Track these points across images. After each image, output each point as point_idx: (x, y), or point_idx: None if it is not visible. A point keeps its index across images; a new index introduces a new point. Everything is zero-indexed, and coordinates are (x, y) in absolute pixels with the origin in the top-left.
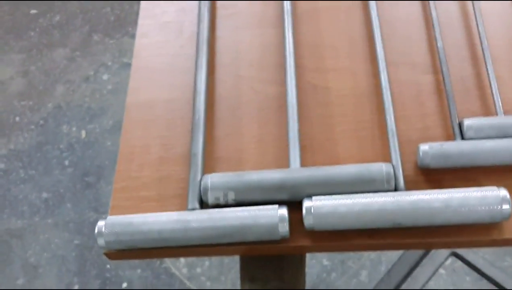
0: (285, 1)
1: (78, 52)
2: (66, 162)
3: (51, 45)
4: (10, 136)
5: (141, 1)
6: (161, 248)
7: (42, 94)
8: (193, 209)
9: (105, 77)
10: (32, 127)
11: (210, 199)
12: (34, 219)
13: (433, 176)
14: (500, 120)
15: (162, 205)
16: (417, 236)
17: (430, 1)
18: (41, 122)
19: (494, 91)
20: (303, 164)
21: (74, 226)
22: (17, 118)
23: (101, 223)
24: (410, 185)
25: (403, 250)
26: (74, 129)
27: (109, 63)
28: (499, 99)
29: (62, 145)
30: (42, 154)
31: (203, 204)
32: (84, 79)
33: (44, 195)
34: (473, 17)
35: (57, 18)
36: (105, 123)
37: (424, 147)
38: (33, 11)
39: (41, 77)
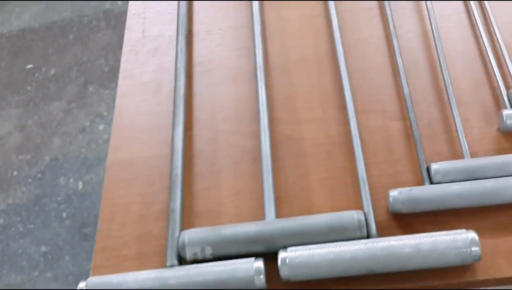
0: (257, 57)
1: (74, 104)
2: (64, 214)
3: (47, 99)
4: (8, 191)
5: (121, 62)
6: None
7: (39, 147)
8: (172, 266)
9: (101, 127)
10: (30, 180)
11: (188, 255)
12: (33, 273)
13: (405, 220)
14: (466, 163)
15: (142, 263)
16: (392, 282)
17: (396, 50)
18: (39, 175)
19: (460, 135)
20: (279, 214)
21: (73, 279)
22: (15, 173)
23: (81, 284)
24: (383, 231)
25: None
26: (71, 180)
27: (105, 113)
28: (465, 142)
29: (60, 197)
30: (40, 207)
31: (182, 260)
32: (80, 130)
33: (43, 248)
34: (438, 63)
35: (53, 71)
36: (101, 173)
37: (393, 193)
38: (29, 66)
39: (38, 130)
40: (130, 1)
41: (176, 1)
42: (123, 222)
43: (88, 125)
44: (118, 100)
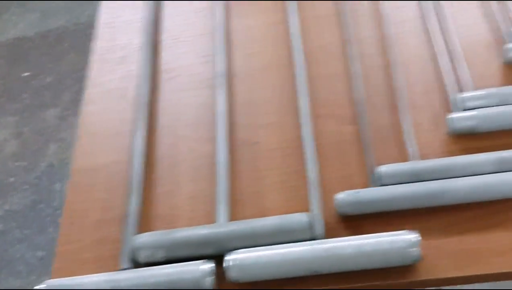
0: (219, 64)
1: (69, 111)
2: (59, 220)
3: (43, 106)
4: (5, 197)
5: (90, 70)
6: None
7: (35, 154)
8: (125, 268)
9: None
10: (26, 187)
11: (141, 258)
12: (31, 277)
13: (352, 222)
14: (412, 165)
15: (99, 267)
16: (336, 282)
17: (351, 56)
18: (35, 181)
19: (408, 138)
20: (233, 218)
21: None
22: (12, 179)
23: (40, 286)
24: (331, 233)
25: None
26: (66, 186)
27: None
28: (413, 145)
29: (55, 203)
30: (36, 213)
31: (136, 263)
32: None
33: (39, 253)
34: (391, 69)
35: (48, 79)
36: None
37: (340, 195)
38: (25, 74)
39: (34, 137)
40: (101, 11)
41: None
42: (83, 227)
43: None
44: (84, 107)
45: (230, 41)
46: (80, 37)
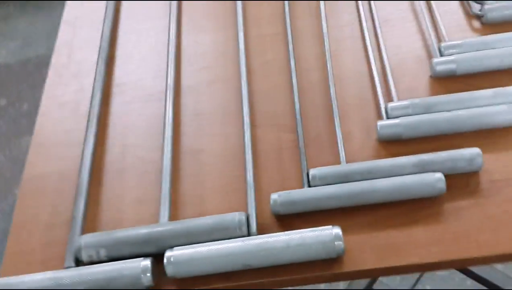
0: (169, 78)
1: None
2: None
3: (19, 133)
4: None
5: (45, 84)
6: None
7: (9, 181)
8: (69, 267)
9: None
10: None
11: (84, 257)
12: None
13: (285, 221)
14: (341, 168)
15: (46, 267)
16: (268, 276)
17: (292, 71)
18: (8, 208)
19: (340, 144)
20: (175, 218)
21: None
22: None
23: None
24: (265, 231)
25: None
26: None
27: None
28: (343, 151)
29: None
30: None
31: (80, 263)
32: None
33: None
34: (329, 82)
35: (25, 106)
36: None
37: (274, 196)
38: (2, 102)
39: (8, 165)
40: (60, 29)
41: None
42: (32, 230)
43: None
44: (38, 118)
45: (180, 57)
46: None
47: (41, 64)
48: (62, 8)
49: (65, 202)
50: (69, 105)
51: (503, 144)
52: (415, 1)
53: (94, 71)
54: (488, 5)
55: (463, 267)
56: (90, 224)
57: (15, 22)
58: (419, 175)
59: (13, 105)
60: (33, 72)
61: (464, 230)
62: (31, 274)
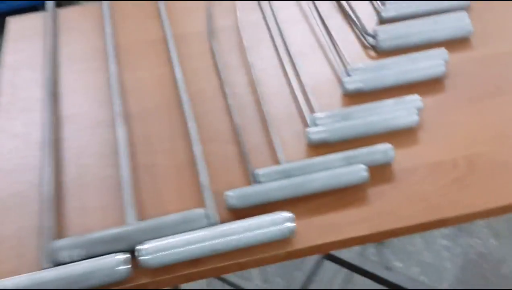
0: (116, 105)
1: None
2: None
3: None
4: None
5: None
6: None
7: None
8: (46, 268)
9: None
10: None
11: (62, 258)
12: None
13: (241, 214)
14: (281, 167)
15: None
16: (232, 259)
17: (228, 95)
18: None
19: (277, 149)
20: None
21: None
22: None
23: None
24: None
25: (226, 274)
26: None
27: None
28: (282, 153)
29: None
30: None
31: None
32: None
33: None
34: (261, 102)
35: None
36: None
37: (228, 193)
38: None
39: None
40: (1, 71)
41: (43, 70)
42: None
43: None
44: None
45: (124, 89)
46: None
47: None
48: None
49: (29, 219)
50: (20, 135)
51: (407, 140)
52: (320, 37)
53: (41, 106)
54: (380, 37)
55: (388, 238)
56: (60, 232)
57: None
58: (346, 167)
59: None
60: None
61: (386, 208)
62: (10, 278)
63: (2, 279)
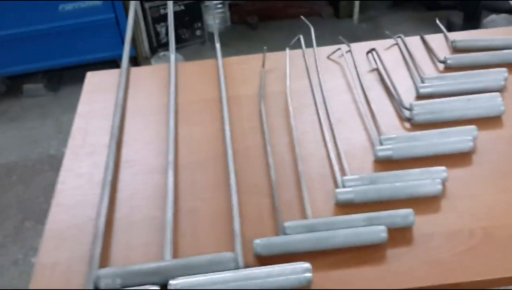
0: (169, 154)
1: (9, 238)
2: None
3: None
4: None
5: (64, 160)
6: None
7: None
8: None
9: (33, 259)
10: None
11: (102, 285)
12: None
13: (265, 261)
14: (309, 221)
15: None
16: None
17: (269, 153)
18: None
19: (306, 205)
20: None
21: None
22: None
23: None
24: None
25: None
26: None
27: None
28: (310, 209)
29: None
30: None
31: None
32: (13, 262)
33: None
34: (297, 161)
35: None
36: None
37: (256, 241)
38: None
39: None
40: (75, 118)
41: (112, 118)
42: (53, 270)
43: (21, 258)
44: (58, 186)
45: (178, 142)
46: (27, 172)
47: (11, 170)
48: (32, 119)
49: (81, 248)
50: (85, 175)
51: (429, 208)
52: (360, 106)
53: (106, 151)
54: (415, 111)
55: None
56: (104, 262)
57: None
58: (367, 227)
59: None
60: (2, 177)
61: (401, 269)
62: None
63: None
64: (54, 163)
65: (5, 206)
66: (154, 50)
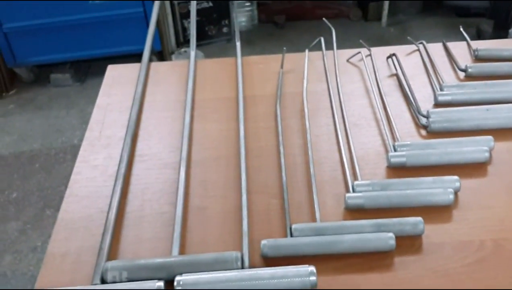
0: (183, 151)
1: (29, 225)
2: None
3: (5, 219)
4: None
5: (80, 151)
6: None
7: None
8: (95, 284)
9: None
10: None
11: (109, 278)
12: None
13: (271, 262)
14: (317, 225)
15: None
16: None
17: (281, 154)
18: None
19: (316, 208)
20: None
21: None
22: None
23: None
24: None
25: None
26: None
27: None
28: (319, 213)
29: None
30: None
31: (105, 283)
32: (32, 249)
33: None
34: (309, 164)
35: (14, 195)
36: None
37: (263, 241)
38: None
39: None
40: (94, 110)
41: (129, 112)
42: (63, 258)
43: (40, 245)
44: (73, 176)
45: (192, 138)
46: (50, 160)
47: (34, 158)
48: (58, 108)
49: (91, 239)
50: (99, 167)
51: (440, 217)
52: (377, 111)
53: (121, 144)
54: (431, 119)
55: None
56: (113, 254)
57: (14, 119)
58: (375, 233)
59: (3, 192)
60: (25, 164)
61: (408, 277)
62: (66, 287)
63: (59, 287)
64: (77, 153)
65: (27, 193)
66: (180, 45)
